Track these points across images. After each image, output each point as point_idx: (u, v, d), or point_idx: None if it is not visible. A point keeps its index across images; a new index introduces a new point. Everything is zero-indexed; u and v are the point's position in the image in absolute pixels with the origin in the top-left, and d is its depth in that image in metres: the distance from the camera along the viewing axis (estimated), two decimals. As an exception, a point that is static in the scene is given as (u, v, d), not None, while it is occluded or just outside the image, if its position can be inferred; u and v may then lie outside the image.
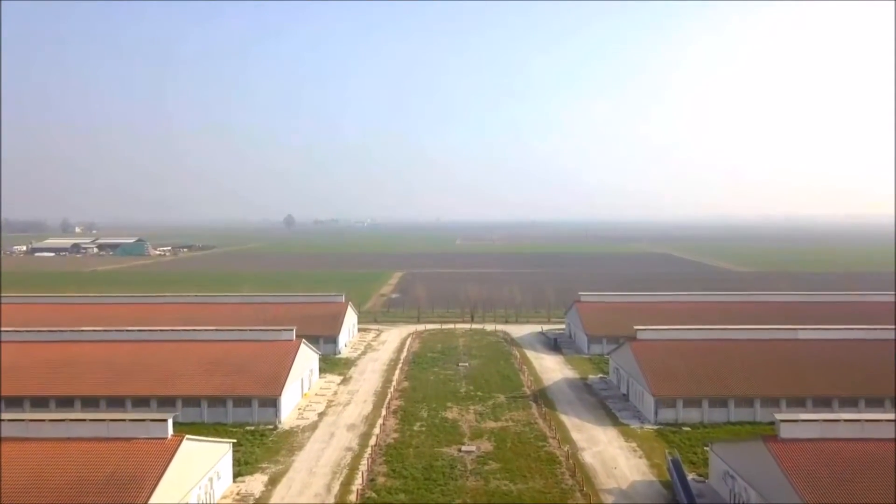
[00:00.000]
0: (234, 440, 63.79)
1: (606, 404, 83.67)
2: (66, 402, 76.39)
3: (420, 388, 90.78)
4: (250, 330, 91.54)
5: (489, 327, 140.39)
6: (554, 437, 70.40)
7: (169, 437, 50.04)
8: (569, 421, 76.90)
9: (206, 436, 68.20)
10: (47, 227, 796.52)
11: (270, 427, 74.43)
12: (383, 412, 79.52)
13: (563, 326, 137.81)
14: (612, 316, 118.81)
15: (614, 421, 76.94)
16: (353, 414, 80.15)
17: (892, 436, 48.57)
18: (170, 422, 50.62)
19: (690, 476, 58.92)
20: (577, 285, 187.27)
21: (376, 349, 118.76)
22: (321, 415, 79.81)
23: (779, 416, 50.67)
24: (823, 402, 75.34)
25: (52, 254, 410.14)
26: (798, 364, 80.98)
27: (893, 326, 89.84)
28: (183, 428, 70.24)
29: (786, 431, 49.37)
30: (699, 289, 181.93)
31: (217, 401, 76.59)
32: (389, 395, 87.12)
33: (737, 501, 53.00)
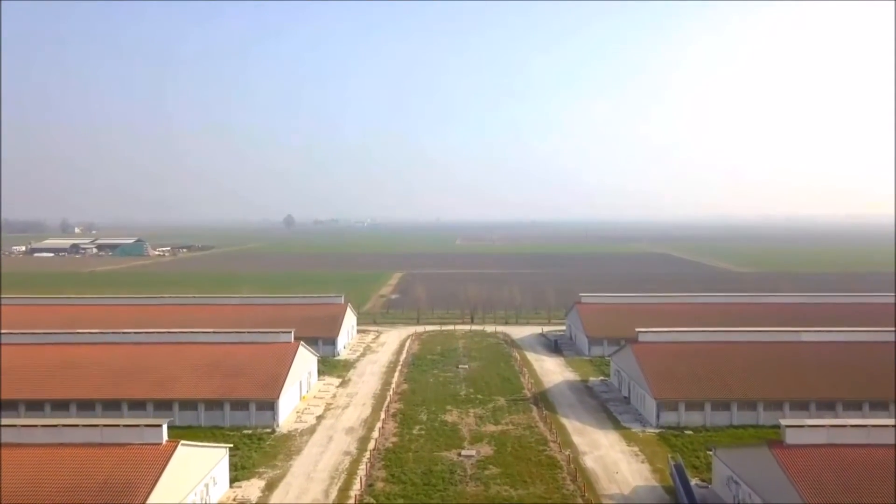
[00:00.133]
0: (231, 444, 63.03)
1: (608, 407, 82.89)
2: (61, 406, 75.57)
3: (419, 390, 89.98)
4: (248, 332, 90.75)
5: (489, 328, 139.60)
6: (555, 441, 69.60)
7: (164, 442, 49.25)
8: (570, 424, 76.11)
9: (204, 439, 67.59)
10: (47, 227, 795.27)
11: (268, 431, 73.63)
12: (382, 415, 78.72)
13: (563, 328, 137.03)
14: (612, 317, 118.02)
15: (616, 424, 76.15)
16: (352, 417, 79.36)
17: (899, 441, 47.80)
18: (164, 427, 49.83)
19: (693, 481, 58.17)
20: (578, 286, 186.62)
21: (375, 351, 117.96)
22: (319, 418, 79.02)
23: (784, 422, 49.91)
24: (827, 406, 74.58)
25: (51, 254, 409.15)
26: (801, 367, 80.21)
27: (894, 328, 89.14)
28: (180, 432, 69.65)
29: (791, 437, 48.59)
30: (699, 290, 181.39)
31: (214, 404, 75.79)
32: (388, 398, 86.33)
33: (741, 508, 52.21)
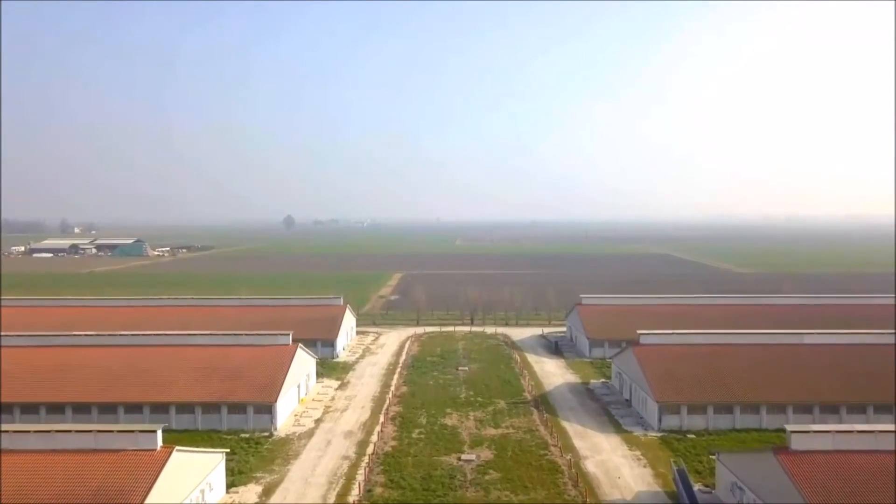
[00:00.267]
0: (228, 449, 62.16)
1: (609, 410, 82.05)
2: (56, 409, 74.76)
3: (419, 393, 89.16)
4: (246, 334, 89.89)
5: (489, 330, 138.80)
6: (556, 445, 68.78)
7: (158, 448, 48.45)
8: (571, 428, 75.29)
9: (201, 443, 67.06)
10: (46, 227, 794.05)
11: (266, 434, 72.79)
12: (381, 419, 77.91)
13: (563, 329, 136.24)
14: (613, 319, 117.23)
15: (617, 428, 75.32)
16: (351, 420, 78.53)
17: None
18: (159, 433, 49.02)
19: (697, 486, 57.37)
20: (578, 287, 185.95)
21: (375, 353, 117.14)
22: (318, 421, 78.17)
23: (790, 428, 49.05)
24: (831, 409, 73.76)
25: (50, 254, 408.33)
26: (804, 370, 79.39)
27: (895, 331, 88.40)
28: (176, 435, 68.98)
29: (797, 443, 47.77)
30: (700, 291, 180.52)
31: (211, 407, 74.93)
32: (388, 401, 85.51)
33: (745, 514, 51.40)
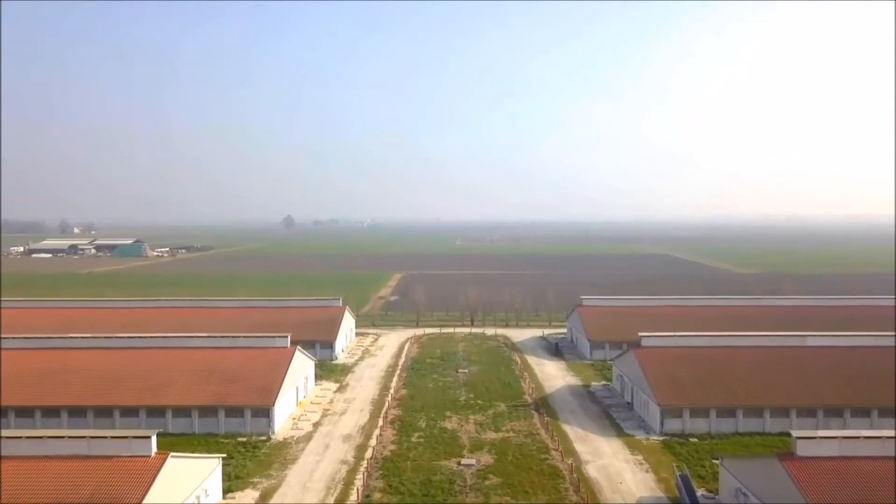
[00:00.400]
0: (224, 454, 61.25)
1: (610, 413, 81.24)
2: (52, 413, 73.96)
3: (418, 396, 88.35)
4: (243, 337, 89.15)
5: (489, 331, 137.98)
6: (556, 450, 67.99)
7: (153, 454, 47.70)
8: (572, 431, 74.47)
9: (198, 447, 66.32)
10: (46, 227, 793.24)
11: (263, 438, 71.98)
12: (380, 422, 77.10)
13: (564, 331, 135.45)
14: (614, 320, 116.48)
15: (619, 431, 74.51)
16: (349, 424, 77.71)
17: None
18: (153, 439, 48.24)
19: (700, 492, 56.54)
20: (578, 288, 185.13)
21: (374, 354, 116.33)
22: (316, 425, 77.36)
23: (795, 433, 48.29)
24: (835, 413, 72.99)
25: (49, 255, 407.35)
26: (808, 372, 78.61)
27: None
28: (173, 439, 68.28)
29: (802, 449, 47.00)
30: (701, 291, 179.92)
31: (209, 411, 74.11)
32: (387, 404, 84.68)
33: (749, 520, 50.61)
